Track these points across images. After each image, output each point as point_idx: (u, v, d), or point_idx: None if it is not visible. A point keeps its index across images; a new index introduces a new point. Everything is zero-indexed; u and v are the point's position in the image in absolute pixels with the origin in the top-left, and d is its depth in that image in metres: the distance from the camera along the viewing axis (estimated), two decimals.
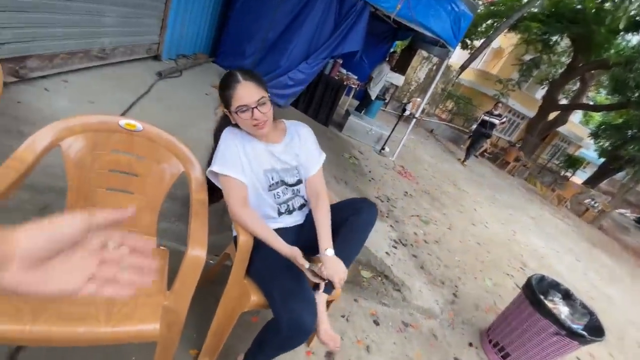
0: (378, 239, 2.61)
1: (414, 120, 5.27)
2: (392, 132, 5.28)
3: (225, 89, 1.10)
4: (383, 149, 5.25)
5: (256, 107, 1.08)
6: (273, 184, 1.25)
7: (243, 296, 1.19)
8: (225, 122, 1.30)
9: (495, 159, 11.28)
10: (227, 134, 1.21)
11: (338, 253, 1.16)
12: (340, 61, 4.98)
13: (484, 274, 3.06)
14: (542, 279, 2.18)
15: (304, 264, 1.08)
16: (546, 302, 1.96)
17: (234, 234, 1.29)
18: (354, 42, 4.23)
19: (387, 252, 2.51)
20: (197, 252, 0.99)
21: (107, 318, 0.90)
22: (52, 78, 2.02)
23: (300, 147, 1.31)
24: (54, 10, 1.90)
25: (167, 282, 1.08)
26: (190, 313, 1.36)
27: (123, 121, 1.15)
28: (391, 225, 3.00)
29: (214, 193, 1.26)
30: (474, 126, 7.90)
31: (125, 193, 1.24)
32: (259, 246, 1.17)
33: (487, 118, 7.39)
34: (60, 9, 1.94)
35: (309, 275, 1.08)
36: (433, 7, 4.08)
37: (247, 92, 1.08)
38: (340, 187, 3.17)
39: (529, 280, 2.07)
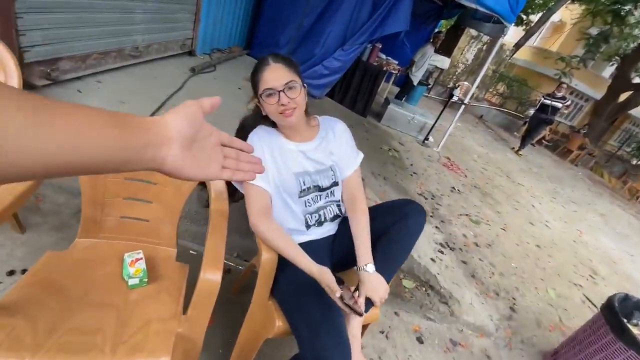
0: (422, 243, 2.36)
1: (463, 106, 4.80)
2: (437, 120, 4.87)
3: (255, 73, 1.01)
4: (427, 139, 4.87)
5: (283, 91, 0.96)
6: (304, 189, 1.10)
7: (267, 321, 1.05)
8: (248, 120, 1.16)
9: (555, 147, 10.14)
10: (253, 135, 1.08)
11: (379, 266, 1.03)
12: (380, 46, 4.65)
13: (546, 283, 2.68)
14: (625, 298, 1.81)
15: (335, 290, 0.90)
16: (631, 327, 1.62)
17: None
18: (398, 22, 3.89)
19: (432, 259, 2.26)
20: (210, 276, 0.86)
21: (113, 349, 0.81)
22: (85, 79, 2.02)
23: (335, 143, 1.17)
24: (84, 9, 1.87)
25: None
26: (216, 324, 1.27)
27: None
28: (436, 227, 2.72)
29: (235, 192, 1.14)
30: (531, 111, 7.00)
31: (143, 202, 1.15)
32: (285, 263, 1.02)
33: (548, 102, 6.53)
34: (90, 7, 1.91)
35: (340, 305, 0.91)
36: None
37: (274, 74, 0.97)
38: (378, 184, 2.95)
39: (610, 300, 1.72)
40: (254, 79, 1.01)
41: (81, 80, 1.98)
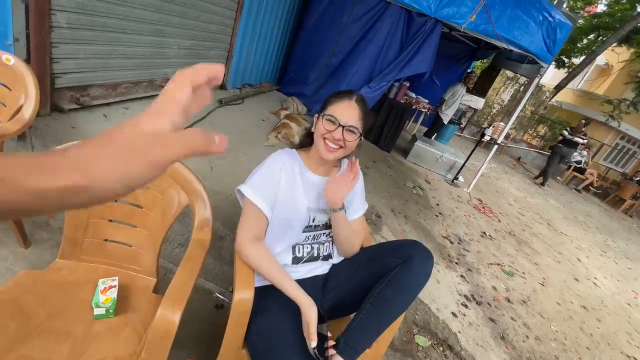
0: (442, 293, 2.11)
1: (495, 146, 4.55)
2: (467, 159, 4.63)
3: (334, 96, 1.02)
4: (456, 178, 4.63)
5: (343, 127, 0.95)
6: (311, 225, 1.04)
7: None
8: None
9: (605, 194, 9.26)
10: (277, 156, 1.03)
11: (364, 320, 0.90)
12: (407, 84, 4.64)
13: (593, 353, 2.26)
14: None
15: (312, 339, 0.79)
16: None
17: None
18: (422, 64, 3.90)
19: (453, 313, 1.99)
20: (168, 315, 0.76)
21: None
22: (113, 106, 2.14)
23: None
24: (118, 43, 2.02)
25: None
26: None
27: None
28: (462, 275, 2.44)
29: None
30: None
31: (128, 226, 1.11)
32: (258, 311, 0.91)
33: (569, 135, 6.67)
34: (125, 42, 2.07)
35: (312, 355, 0.79)
36: (519, 19, 3.56)
37: (348, 110, 0.97)
38: (398, 222, 2.76)
39: None
40: (329, 100, 1.01)
41: (109, 107, 2.10)
